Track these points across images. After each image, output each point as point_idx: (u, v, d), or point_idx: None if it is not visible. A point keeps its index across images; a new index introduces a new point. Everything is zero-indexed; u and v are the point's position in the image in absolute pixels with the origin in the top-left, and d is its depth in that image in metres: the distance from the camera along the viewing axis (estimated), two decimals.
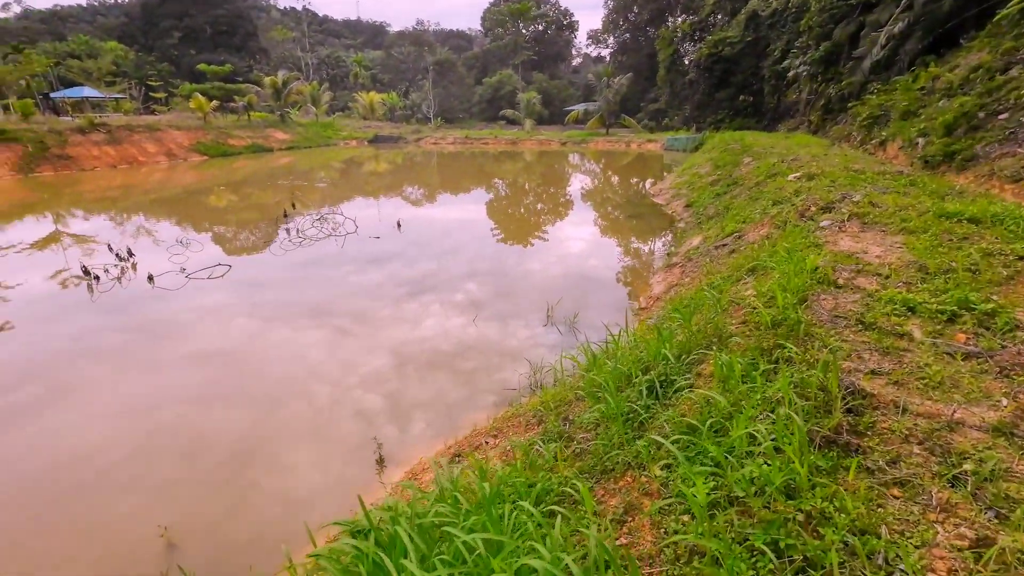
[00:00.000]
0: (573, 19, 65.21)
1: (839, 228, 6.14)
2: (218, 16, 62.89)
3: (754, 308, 4.25)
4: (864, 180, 8.48)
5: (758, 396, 2.95)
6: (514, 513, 2.53)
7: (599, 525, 2.43)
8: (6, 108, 32.69)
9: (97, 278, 9.69)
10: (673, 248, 10.72)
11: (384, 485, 4.34)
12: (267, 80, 44.76)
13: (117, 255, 10.81)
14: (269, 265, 11.13)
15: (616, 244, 13.22)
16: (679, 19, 45.80)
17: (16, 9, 72.51)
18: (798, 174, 9.92)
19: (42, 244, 13.10)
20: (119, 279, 9.83)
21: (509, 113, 49.36)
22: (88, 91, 41.01)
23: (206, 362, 6.73)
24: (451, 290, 9.22)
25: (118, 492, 4.45)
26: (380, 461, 4.71)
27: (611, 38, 56.35)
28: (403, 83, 60.44)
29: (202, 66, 51.85)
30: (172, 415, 5.56)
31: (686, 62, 38.13)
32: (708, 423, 2.84)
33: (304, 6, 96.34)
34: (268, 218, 15.10)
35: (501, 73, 56.86)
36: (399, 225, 13.94)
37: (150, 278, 9.61)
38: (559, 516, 2.38)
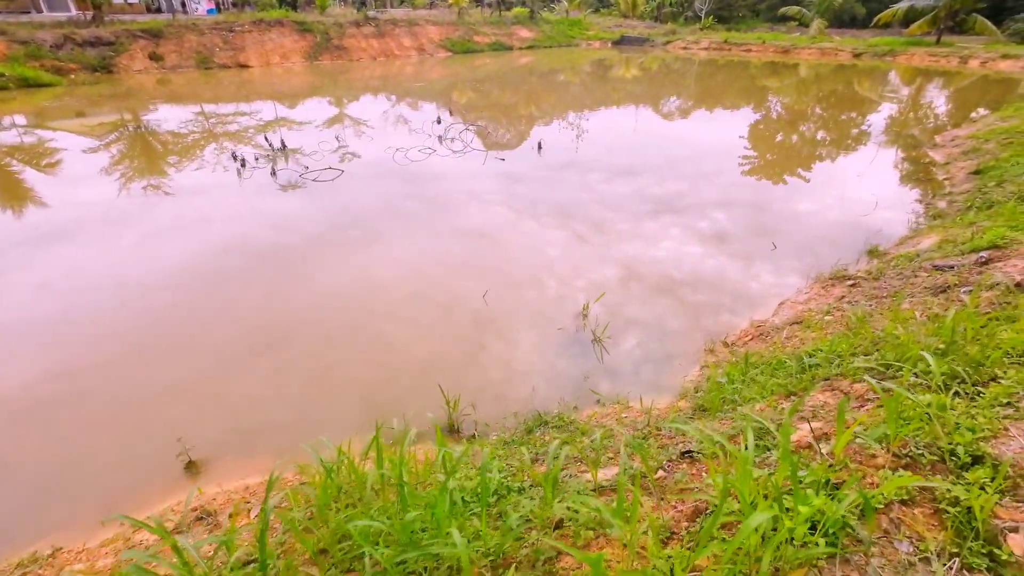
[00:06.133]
0: None
1: None
2: None
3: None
4: None
5: None
6: None
7: None
8: (310, 3, 41.71)
9: (244, 163, 12.12)
10: (880, 246, 7.72)
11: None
12: None
13: (271, 145, 13.48)
14: (522, 162, 12.72)
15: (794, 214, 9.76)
16: None
17: None
18: None
19: (330, 123, 17.19)
20: (271, 166, 12.10)
21: (793, 11, 42.02)
22: None
23: (467, 237, 8.58)
24: (698, 216, 9.33)
25: (398, 324, 6.17)
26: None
27: None
28: None
29: None
30: (439, 273, 7.35)
31: None
32: None
33: None
34: (514, 118, 16.58)
35: None
36: (540, 146, 13.83)
37: (273, 172, 11.64)
38: None
